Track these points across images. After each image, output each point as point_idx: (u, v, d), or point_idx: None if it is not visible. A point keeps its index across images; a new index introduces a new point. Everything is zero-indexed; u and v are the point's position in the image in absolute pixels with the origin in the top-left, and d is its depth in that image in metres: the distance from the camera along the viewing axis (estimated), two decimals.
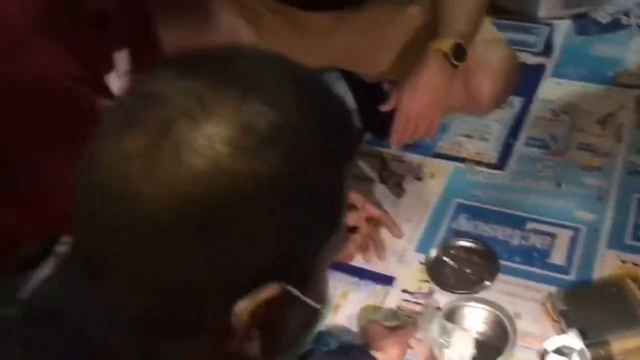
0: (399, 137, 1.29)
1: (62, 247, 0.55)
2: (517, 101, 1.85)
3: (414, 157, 1.71)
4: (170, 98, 0.47)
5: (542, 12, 2.21)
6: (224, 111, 0.46)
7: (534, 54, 2.07)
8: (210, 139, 0.46)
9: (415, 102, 1.24)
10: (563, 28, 2.17)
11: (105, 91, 1.03)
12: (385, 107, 1.30)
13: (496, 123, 1.78)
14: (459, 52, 1.25)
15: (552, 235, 1.46)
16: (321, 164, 0.51)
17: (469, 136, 1.77)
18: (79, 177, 0.50)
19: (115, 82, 1.08)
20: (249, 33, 1.46)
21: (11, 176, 0.95)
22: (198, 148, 0.45)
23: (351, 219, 1.33)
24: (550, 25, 2.18)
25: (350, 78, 1.81)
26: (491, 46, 1.39)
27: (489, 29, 1.45)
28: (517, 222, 1.51)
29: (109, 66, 1.05)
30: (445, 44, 1.25)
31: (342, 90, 1.92)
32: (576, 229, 1.47)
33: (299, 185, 0.49)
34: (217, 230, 0.47)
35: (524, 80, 1.83)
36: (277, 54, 0.54)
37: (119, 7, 1.06)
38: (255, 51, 0.55)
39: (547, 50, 2.08)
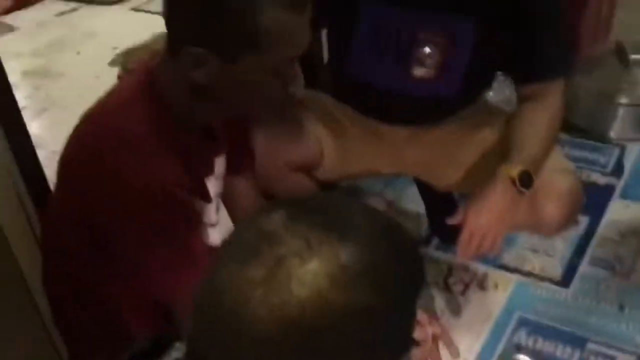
0: (464, 252, 1.37)
1: (176, 352, 0.65)
2: (584, 220, 1.90)
3: (479, 267, 1.77)
4: (283, 238, 0.58)
5: (614, 134, 2.27)
6: (326, 252, 0.57)
7: (604, 174, 2.12)
8: (314, 274, 0.56)
9: (481, 221, 1.32)
10: (634, 150, 2.21)
11: (203, 193, 1.15)
12: (452, 221, 1.39)
13: (562, 240, 1.83)
14: (526, 180, 1.33)
15: (612, 359, 1.48)
16: (402, 296, 0.61)
17: (534, 250, 1.82)
18: (196, 296, 0.61)
19: (212, 183, 1.20)
20: (330, 142, 1.58)
21: (118, 269, 1.07)
22: (305, 281, 0.56)
23: (416, 334, 1.40)
24: (621, 146, 2.24)
25: (422, 184, 1.90)
26: (559, 174, 1.46)
27: (558, 157, 1.53)
28: (577, 342, 1.53)
29: (209, 171, 1.18)
30: (514, 170, 1.33)
31: (413, 194, 2.02)
32: (638, 355, 1.48)
33: (386, 313, 0.59)
34: (316, 349, 0.57)
35: (593, 200, 1.89)
36: (366, 205, 0.66)
37: (223, 121, 1.20)
38: (348, 200, 0.67)
39: (617, 171, 2.13)
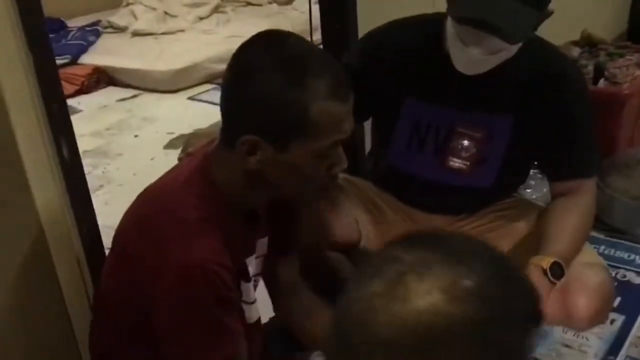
0: None
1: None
2: (619, 319, 1.90)
3: None
4: (404, 259, 0.66)
5: None
6: (441, 271, 0.65)
7: (639, 273, 2.13)
8: (431, 288, 0.63)
9: None
10: None
11: (243, 272, 1.21)
12: None
13: (596, 338, 1.84)
14: (557, 271, 1.37)
15: None
16: (513, 318, 0.67)
17: (568, 346, 1.83)
18: (335, 315, 0.69)
19: (252, 263, 1.25)
20: (370, 227, 1.65)
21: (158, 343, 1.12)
22: (422, 293, 0.63)
23: None
24: None
25: None
26: (590, 268, 1.49)
27: (589, 252, 1.56)
28: None
29: (250, 251, 1.24)
30: (545, 261, 1.37)
31: None
32: None
33: (495, 333, 0.64)
34: (428, 351, 0.63)
35: (628, 299, 1.90)
36: (476, 239, 0.75)
37: (268, 206, 1.28)
38: (461, 235, 0.75)
39: None
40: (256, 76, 1.07)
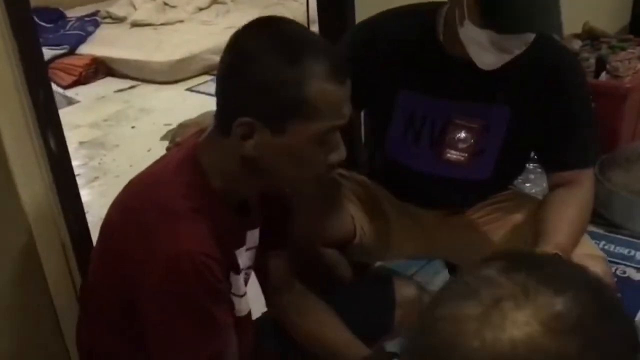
0: None
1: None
2: None
3: None
4: (502, 283, 0.62)
5: None
6: (542, 301, 0.61)
7: (639, 270, 2.11)
8: (529, 318, 0.59)
9: None
10: None
11: (232, 264, 1.18)
12: None
13: None
14: None
15: None
16: (613, 356, 0.63)
17: None
18: (417, 329, 0.66)
19: (242, 255, 1.22)
20: (366, 222, 1.63)
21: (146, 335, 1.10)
22: (519, 323, 0.59)
23: None
24: None
25: (454, 268, 1.92)
26: (589, 260, 1.45)
27: (588, 244, 1.54)
28: None
29: (240, 243, 1.20)
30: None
31: (445, 279, 2.03)
32: None
33: None
34: None
35: (628, 295, 1.87)
36: (577, 265, 0.71)
37: (260, 197, 1.25)
38: (561, 260, 0.71)
39: None
40: (252, 59, 1.05)
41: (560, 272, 0.66)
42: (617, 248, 2.21)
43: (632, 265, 2.12)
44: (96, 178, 3.00)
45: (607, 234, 2.27)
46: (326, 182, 1.60)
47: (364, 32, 1.54)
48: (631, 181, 2.34)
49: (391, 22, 1.50)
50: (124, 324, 1.13)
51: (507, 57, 1.35)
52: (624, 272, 2.09)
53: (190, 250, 1.04)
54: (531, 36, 1.32)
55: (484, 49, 1.33)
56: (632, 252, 2.19)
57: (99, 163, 3.18)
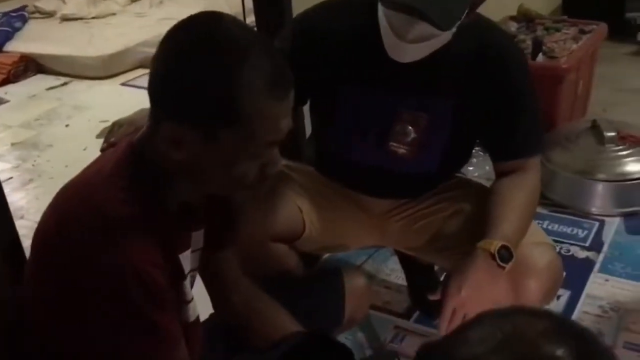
0: (446, 327, 1.36)
1: None
2: (565, 294, 1.91)
3: None
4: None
5: (593, 209, 2.31)
6: None
7: (583, 248, 2.14)
8: None
9: (461, 297, 1.32)
10: (613, 225, 2.25)
11: (177, 270, 1.12)
12: (433, 297, 1.39)
13: None
14: (505, 255, 1.33)
15: None
16: None
17: None
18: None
19: (187, 258, 1.16)
20: (314, 213, 1.60)
21: (91, 348, 1.04)
22: None
23: None
24: (600, 221, 2.27)
25: (404, 256, 1.92)
26: (538, 249, 1.46)
27: (537, 232, 1.54)
28: None
29: (185, 246, 1.15)
30: (492, 245, 1.33)
31: (394, 267, 2.03)
32: None
33: None
34: None
35: (572, 274, 1.90)
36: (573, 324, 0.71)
37: (203, 197, 1.20)
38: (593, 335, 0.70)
39: (596, 246, 2.16)
40: (186, 58, 0.99)
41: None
42: (561, 227, 2.25)
43: (576, 243, 2.15)
44: (30, 180, 2.88)
45: (550, 213, 2.30)
46: (260, 189, 1.56)
47: (304, 27, 1.50)
48: (571, 161, 2.37)
49: (331, 16, 1.46)
50: (65, 337, 1.07)
51: (415, 50, 1.31)
52: (568, 251, 2.12)
53: (131, 259, 0.99)
54: (427, 27, 1.25)
55: (387, 36, 1.31)
56: (575, 231, 2.23)
57: (33, 165, 3.06)
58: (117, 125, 1.32)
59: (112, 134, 1.27)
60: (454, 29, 1.29)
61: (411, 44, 1.30)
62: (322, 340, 1.32)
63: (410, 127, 1.46)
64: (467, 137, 1.52)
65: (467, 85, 1.43)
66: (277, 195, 1.55)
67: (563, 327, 0.67)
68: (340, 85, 1.46)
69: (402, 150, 1.48)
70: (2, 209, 1.30)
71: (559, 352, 0.62)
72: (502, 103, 1.44)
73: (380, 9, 1.32)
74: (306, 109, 1.72)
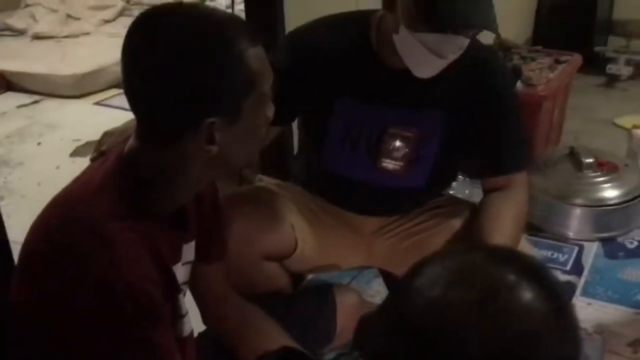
0: None
1: None
2: None
3: None
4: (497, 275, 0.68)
5: (571, 234, 2.34)
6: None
7: (564, 272, 2.16)
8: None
9: None
10: (592, 249, 2.27)
11: (172, 282, 1.10)
12: None
13: None
14: None
15: None
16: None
17: None
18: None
19: (179, 270, 1.15)
20: (306, 232, 1.58)
21: None
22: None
23: None
24: (580, 245, 2.29)
25: (389, 276, 1.90)
26: None
27: (524, 245, 1.55)
28: None
29: (177, 258, 1.14)
30: None
31: (379, 288, 2.01)
32: None
33: None
34: None
35: None
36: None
37: (195, 208, 1.18)
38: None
39: (577, 269, 2.17)
40: (187, 55, 0.97)
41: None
42: (542, 251, 2.26)
43: (557, 267, 2.17)
44: (1, 198, 2.80)
45: (529, 237, 2.31)
46: (263, 195, 1.55)
47: (297, 42, 1.50)
48: (550, 185, 2.40)
49: (325, 31, 1.47)
50: (60, 352, 1.03)
51: (442, 64, 1.34)
52: None
53: (124, 274, 0.96)
54: (465, 41, 1.32)
55: (419, 56, 1.32)
56: (556, 255, 2.25)
57: (4, 182, 2.98)
58: (107, 134, 1.29)
59: (103, 143, 1.24)
60: None
61: (447, 60, 1.33)
62: (301, 357, 1.30)
63: (400, 143, 1.47)
64: (456, 152, 1.53)
65: (457, 100, 1.45)
66: (269, 211, 1.54)
67: (497, 252, 0.75)
68: (334, 100, 1.46)
69: (392, 166, 1.49)
70: None
71: (508, 275, 0.68)
72: (490, 119, 1.47)
73: (408, 36, 1.31)
74: (294, 128, 1.72)
